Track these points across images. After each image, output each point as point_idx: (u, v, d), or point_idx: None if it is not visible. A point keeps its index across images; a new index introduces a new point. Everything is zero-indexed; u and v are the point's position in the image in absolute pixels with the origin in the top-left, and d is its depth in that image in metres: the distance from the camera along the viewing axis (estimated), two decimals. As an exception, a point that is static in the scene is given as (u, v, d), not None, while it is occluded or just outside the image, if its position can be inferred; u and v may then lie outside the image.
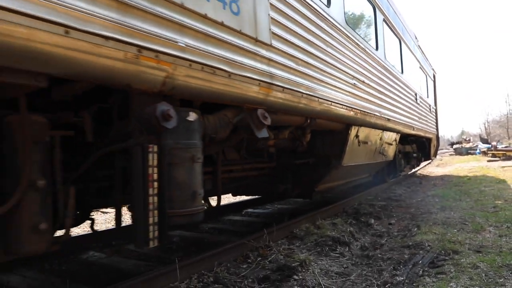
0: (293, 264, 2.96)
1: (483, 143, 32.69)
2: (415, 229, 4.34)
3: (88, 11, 1.68)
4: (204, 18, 2.31)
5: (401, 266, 3.07)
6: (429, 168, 15.78)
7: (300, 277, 2.77)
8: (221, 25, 2.44)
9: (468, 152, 29.75)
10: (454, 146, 34.69)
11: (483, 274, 2.76)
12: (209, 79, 2.36)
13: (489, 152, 22.93)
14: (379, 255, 3.45)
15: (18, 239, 1.90)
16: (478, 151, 27.34)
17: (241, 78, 2.63)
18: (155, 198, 2.10)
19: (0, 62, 1.48)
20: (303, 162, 4.78)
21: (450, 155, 31.23)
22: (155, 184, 2.10)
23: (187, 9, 2.19)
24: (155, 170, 2.10)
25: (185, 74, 2.20)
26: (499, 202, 5.88)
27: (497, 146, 24.07)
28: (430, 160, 14.95)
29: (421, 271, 2.91)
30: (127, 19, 1.86)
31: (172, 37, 2.10)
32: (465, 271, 2.84)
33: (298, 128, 4.19)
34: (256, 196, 6.56)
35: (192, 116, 2.44)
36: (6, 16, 1.42)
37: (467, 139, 41.92)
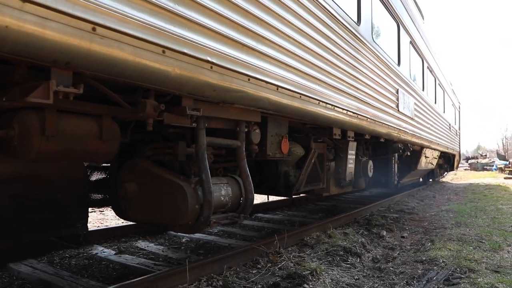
0: (303, 273, 2.90)
1: (500, 159, 31.92)
2: (429, 244, 4.22)
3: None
4: (407, 116, 6.70)
5: (415, 282, 2.98)
6: (442, 183, 15.44)
7: (311, 286, 2.71)
8: (408, 116, 6.80)
9: (484, 167, 29.10)
10: (470, 161, 33.95)
11: (502, 295, 2.65)
12: (405, 136, 6.49)
13: (506, 169, 22.38)
14: (391, 268, 3.37)
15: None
16: (494, 167, 26.71)
17: (409, 133, 6.75)
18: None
19: None
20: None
21: (465, 169, 30.54)
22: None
23: (406, 115, 6.63)
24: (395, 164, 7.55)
25: (402, 134, 6.29)
26: (518, 221, 5.69)
27: (515, 164, 23.48)
28: (445, 174, 15.57)
29: (435, 288, 2.82)
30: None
31: (399, 124, 6.23)
32: (482, 291, 2.74)
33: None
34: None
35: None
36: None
37: (483, 154, 40.98)
